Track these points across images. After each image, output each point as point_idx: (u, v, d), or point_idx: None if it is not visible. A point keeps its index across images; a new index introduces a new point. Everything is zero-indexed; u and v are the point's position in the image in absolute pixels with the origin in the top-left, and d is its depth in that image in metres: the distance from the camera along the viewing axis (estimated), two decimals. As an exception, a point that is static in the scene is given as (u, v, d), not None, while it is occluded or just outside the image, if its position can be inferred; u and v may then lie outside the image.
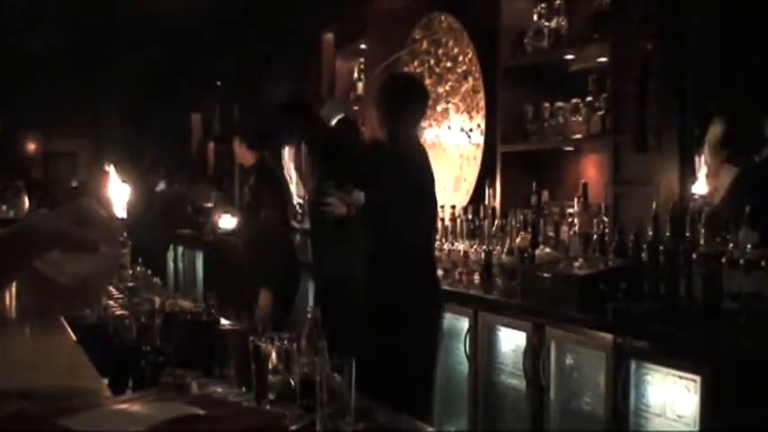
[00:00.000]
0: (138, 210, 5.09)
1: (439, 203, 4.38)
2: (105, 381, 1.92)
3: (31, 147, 12.16)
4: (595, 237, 3.97)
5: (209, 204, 9.54)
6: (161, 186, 9.87)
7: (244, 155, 5.77)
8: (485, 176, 5.22)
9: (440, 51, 5.82)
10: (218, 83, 10.17)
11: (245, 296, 5.30)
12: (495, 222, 4.74)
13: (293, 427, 1.85)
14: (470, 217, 4.98)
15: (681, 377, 3.08)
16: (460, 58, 5.60)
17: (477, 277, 4.65)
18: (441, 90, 5.82)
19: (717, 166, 3.98)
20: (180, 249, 9.70)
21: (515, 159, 5.00)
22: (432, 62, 5.92)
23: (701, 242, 3.32)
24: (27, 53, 9.72)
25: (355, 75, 7.02)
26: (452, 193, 5.65)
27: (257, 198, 5.57)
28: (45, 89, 10.53)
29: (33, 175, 11.14)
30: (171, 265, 9.72)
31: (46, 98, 10.59)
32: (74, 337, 2.42)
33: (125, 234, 3.85)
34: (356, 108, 6.86)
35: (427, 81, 5.96)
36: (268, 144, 6.03)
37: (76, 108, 10.97)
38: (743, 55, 3.92)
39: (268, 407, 2.00)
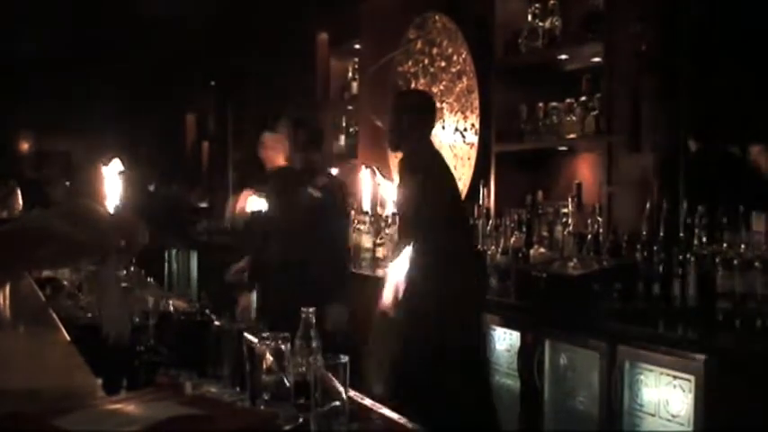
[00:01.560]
0: (132, 210, 5.08)
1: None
2: (99, 381, 1.91)
3: (25, 146, 12.14)
4: (589, 237, 3.98)
5: (204, 204, 9.53)
6: (152, 186, 9.86)
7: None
8: (479, 176, 5.22)
9: (434, 51, 5.82)
10: (213, 83, 10.17)
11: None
12: (490, 222, 4.75)
13: (287, 427, 1.85)
14: (465, 217, 4.99)
15: (675, 377, 3.09)
16: (455, 57, 5.60)
17: (471, 277, 4.65)
18: (435, 90, 5.82)
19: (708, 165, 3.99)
20: (174, 250, 9.69)
21: (510, 159, 5.01)
22: (426, 62, 5.92)
23: (695, 242, 3.33)
24: (19, 52, 9.70)
25: (350, 74, 7.02)
26: (447, 192, 5.65)
27: None
28: (38, 88, 10.50)
29: (27, 175, 11.12)
30: (166, 265, 9.70)
31: (39, 98, 10.57)
32: (68, 337, 2.41)
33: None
34: (350, 108, 6.87)
35: (422, 81, 5.97)
36: None
37: (70, 107, 10.94)
38: (736, 55, 3.93)
39: (262, 407, 2.00)
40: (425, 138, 4.10)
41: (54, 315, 2.85)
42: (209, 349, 2.42)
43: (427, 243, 3.69)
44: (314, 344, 1.97)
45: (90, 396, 1.71)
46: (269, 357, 2.03)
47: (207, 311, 2.66)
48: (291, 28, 7.65)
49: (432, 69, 5.86)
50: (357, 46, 6.71)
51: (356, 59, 6.85)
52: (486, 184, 5.06)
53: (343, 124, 7.08)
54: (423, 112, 4.13)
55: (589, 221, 4.10)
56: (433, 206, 3.81)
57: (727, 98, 3.99)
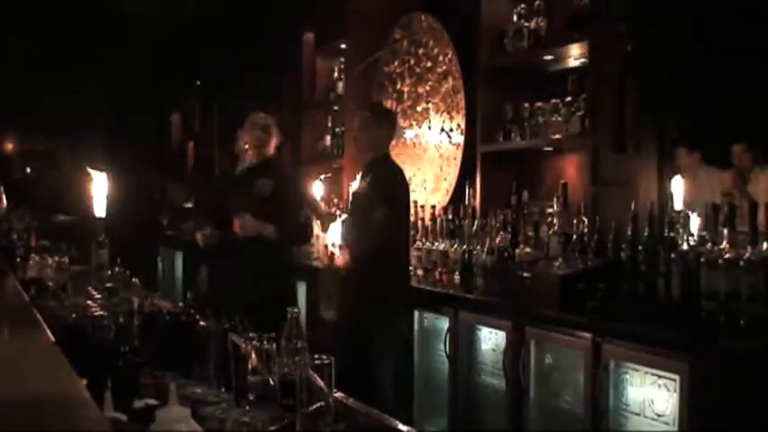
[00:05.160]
0: (119, 210, 5.07)
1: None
2: (84, 382, 1.90)
3: (9, 146, 12.08)
4: (575, 236, 3.98)
5: (189, 205, 9.50)
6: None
7: None
8: (465, 176, 5.23)
9: (420, 51, 5.82)
10: (198, 82, 10.14)
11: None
12: (476, 222, 4.75)
13: (272, 428, 1.85)
14: (450, 217, 4.99)
15: (660, 376, 3.10)
16: (440, 58, 5.61)
17: (457, 277, 4.65)
18: (421, 90, 5.82)
19: (694, 165, 4.01)
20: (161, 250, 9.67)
21: (495, 159, 5.01)
22: (412, 62, 5.92)
23: (680, 242, 3.34)
24: (2, 52, 9.65)
25: (335, 74, 7.01)
26: (432, 192, 5.66)
27: None
28: (22, 88, 10.45)
29: (12, 175, 11.07)
30: (159, 266, 9.66)
31: (24, 97, 10.51)
32: (52, 338, 2.40)
33: (103, 235, 3.84)
34: (336, 108, 6.86)
35: (407, 81, 5.97)
36: None
37: (55, 107, 10.89)
38: (721, 55, 3.95)
39: (247, 407, 2.00)
40: (388, 148, 4.68)
41: (38, 315, 2.84)
42: (194, 350, 2.42)
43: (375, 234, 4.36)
44: (299, 344, 1.97)
45: (73, 403, 1.70)
46: (254, 358, 2.03)
47: (192, 312, 2.65)
48: (277, 27, 7.63)
49: (417, 69, 5.86)
50: (343, 46, 6.70)
51: (342, 59, 6.84)
52: (472, 184, 5.06)
53: (329, 124, 7.07)
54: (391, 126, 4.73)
55: (574, 221, 4.10)
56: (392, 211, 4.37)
57: (712, 98, 4.00)
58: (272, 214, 4.76)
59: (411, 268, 5.04)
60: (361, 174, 4.65)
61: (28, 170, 11.88)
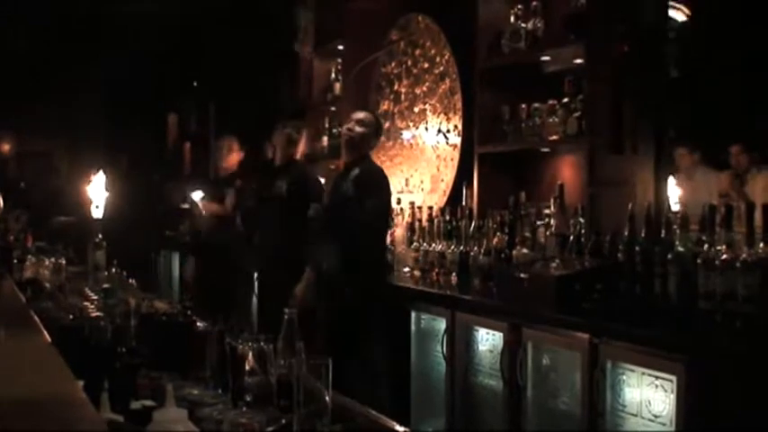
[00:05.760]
0: (117, 211, 5.06)
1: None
2: (81, 383, 1.90)
3: (6, 147, 12.06)
4: (572, 237, 3.98)
5: (185, 205, 9.49)
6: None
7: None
8: (462, 177, 5.23)
9: (417, 52, 5.82)
10: (195, 83, 10.13)
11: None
12: (473, 223, 4.75)
13: (270, 428, 1.84)
14: (447, 218, 4.99)
15: (657, 377, 3.10)
16: (437, 59, 5.61)
17: (454, 278, 4.66)
18: (418, 91, 5.82)
19: (691, 167, 4.01)
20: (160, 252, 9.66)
21: (492, 160, 5.01)
22: (409, 63, 5.92)
23: (677, 242, 3.34)
24: (1, 53, 9.64)
25: (332, 75, 7.01)
26: (430, 193, 5.66)
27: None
28: (18, 88, 10.43)
29: (9, 176, 11.04)
30: (161, 268, 9.65)
31: (19, 98, 10.49)
32: (48, 339, 2.40)
33: (100, 236, 3.85)
34: (333, 109, 6.86)
35: (404, 82, 5.97)
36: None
37: (51, 108, 10.87)
38: (719, 56, 3.96)
39: (244, 408, 2.00)
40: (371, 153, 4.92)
41: (35, 317, 2.84)
42: (191, 351, 2.42)
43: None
44: (296, 345, 1.97)
45: (69, 402, 1.70)
46: (251, 359, 2.03)
47: (189, 313, 2.65)
48: (274, 28, 7.63)
49: (414, 70, 5.86)
50: (340, 47, 6.70)
51: (339, 60, 6.84)
52: (469, 185, 5.06)
53: (326, 125, 7.06)
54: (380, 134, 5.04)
55: (571, 222, 4.11)
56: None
57: (709, 99, 4.01)
58: (286, 215, 5.10)
59: (408, 269, 5.07)
60: (341, 173, 4.83)
61: (25, 171, 11.85)
